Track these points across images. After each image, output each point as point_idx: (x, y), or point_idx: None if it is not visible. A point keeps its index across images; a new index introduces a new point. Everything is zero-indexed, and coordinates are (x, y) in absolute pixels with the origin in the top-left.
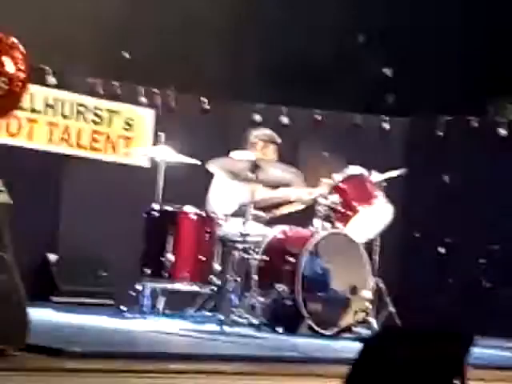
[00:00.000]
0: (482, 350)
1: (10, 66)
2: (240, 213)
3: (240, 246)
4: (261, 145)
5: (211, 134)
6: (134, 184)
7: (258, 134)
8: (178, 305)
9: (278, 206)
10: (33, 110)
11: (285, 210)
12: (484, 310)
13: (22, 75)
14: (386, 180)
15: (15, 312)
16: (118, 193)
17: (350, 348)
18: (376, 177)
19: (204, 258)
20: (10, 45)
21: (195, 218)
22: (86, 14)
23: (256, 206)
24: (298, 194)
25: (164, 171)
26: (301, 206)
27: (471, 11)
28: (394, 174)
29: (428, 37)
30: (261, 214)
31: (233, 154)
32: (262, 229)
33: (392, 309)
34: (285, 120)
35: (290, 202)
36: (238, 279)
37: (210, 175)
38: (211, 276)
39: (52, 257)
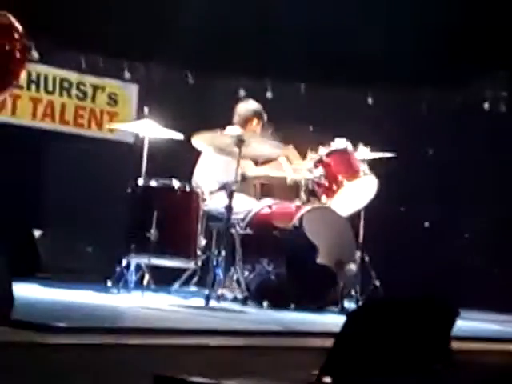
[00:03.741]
0: (467, 323)
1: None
2: (226, 188)
3: (225, 220)
4: (247, 119)
5: (196, 108)
6: (119, 159)
7: (246, 109)
8: (163, 280)
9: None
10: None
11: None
12: (469, 284)
13: (18, 54)
14: (375, 159)
15: (0, 287)
16: (103, 168)
17: (336, 321)
18: (364, 154)
19: (189, 233)
20: (8, 24)
21: (180, 192)
22: None
23: (245, 183)
24: (289, 173)
25: (148, 146)
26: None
27: None
28: (384, 154)
29: (413, 11)
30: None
31: (220, 128)
32: (247, 203)
33: (377, 282)
34: (269, 94)
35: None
36: (224, 254)
37: (195, 150)
38: (196, 251)
39: (37, 232)
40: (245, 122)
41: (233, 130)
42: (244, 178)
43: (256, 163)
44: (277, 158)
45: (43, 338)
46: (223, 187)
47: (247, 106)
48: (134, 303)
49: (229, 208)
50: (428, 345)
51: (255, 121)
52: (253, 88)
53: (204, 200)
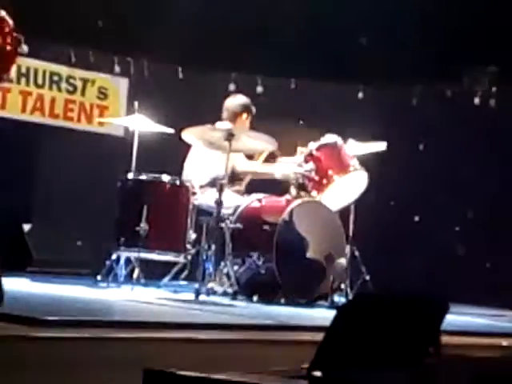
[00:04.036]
0: (457, 317)
1: None
2: (216, 182)
3: (215, 214)
4: (236, 113)
5: (186, 102)
6: (109, 153)
7: (234, 103)
8: (153, 274)
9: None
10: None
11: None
12: (459, 278)
13: (9, 48)
14: (365, 154)
15: None
16: (93, 162)
17: (325, 316)
18: (355, 149)
19: (179, 227)
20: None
21: (170, 187)
22: None
23: (235, 178)
24: (282, 169)
25: (138, 140)
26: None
27: None
28: (373, 148)
29: (404, 5)
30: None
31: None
32: (237, 198)
33: (367, 277)
34: (260, 89)
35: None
36: (213, 248)
37: (185, 144)
38: (186, 245)
39: (27, 227)
40: (234, 117)
41: (223, 125)
42: (233, 173)
43: (251, 158)
44: (273, 153)
45: (33, 332)
46: (213, 181)
47: (236, 101)
48: (124, 297)
49: (219, 202)
50: (418, 339)
51: (244, 115)
52: (243, 83)
53: (194, 194)
